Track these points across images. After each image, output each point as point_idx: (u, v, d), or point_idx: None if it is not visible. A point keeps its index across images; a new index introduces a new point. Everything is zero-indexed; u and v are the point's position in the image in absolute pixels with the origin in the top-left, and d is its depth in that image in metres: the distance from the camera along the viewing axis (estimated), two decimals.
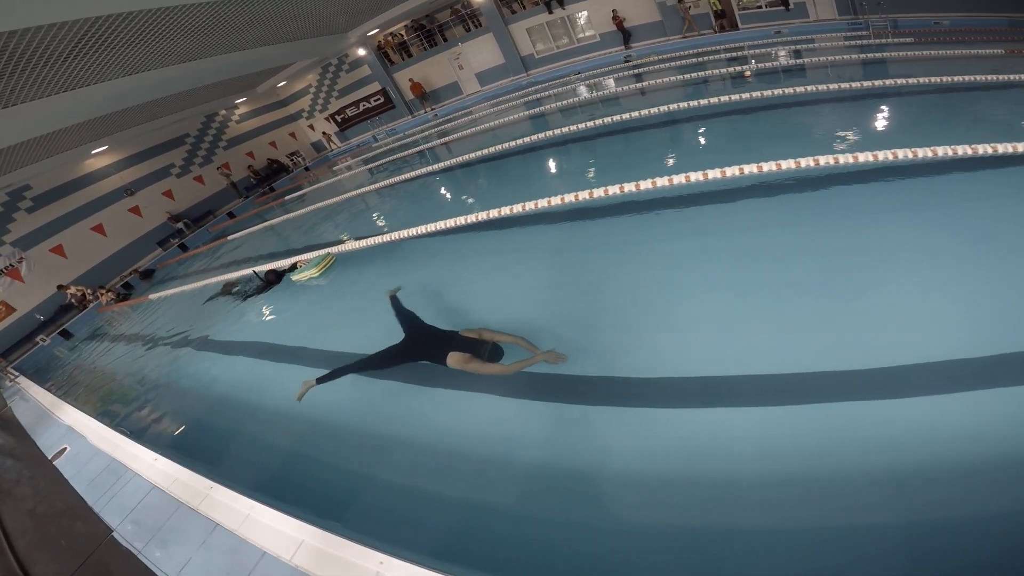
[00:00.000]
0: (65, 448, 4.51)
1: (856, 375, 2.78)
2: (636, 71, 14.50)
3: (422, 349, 3.75)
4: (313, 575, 2.25)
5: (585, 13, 18.78)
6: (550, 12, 18.95)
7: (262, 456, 4.00)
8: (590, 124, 9.74)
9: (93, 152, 15.94)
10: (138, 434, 4.47)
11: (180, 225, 18.13)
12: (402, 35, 21.92)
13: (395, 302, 4.50)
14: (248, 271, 9.03)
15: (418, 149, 15.84)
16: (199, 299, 9.47)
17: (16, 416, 6.81)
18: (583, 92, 14.42)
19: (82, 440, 4.49)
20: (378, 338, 4.23)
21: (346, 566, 2.26)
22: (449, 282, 5.71)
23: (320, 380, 4.03)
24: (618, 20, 17.62)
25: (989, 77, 6.86)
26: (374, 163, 16.51)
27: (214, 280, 9.99)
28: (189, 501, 2.98)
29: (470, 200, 9.23)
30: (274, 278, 8.16)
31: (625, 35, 17.89)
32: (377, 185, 12.68)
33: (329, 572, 2.25)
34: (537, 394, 3.54)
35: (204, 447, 4.30)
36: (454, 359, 3.40)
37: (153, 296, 11.55)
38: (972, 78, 6.88)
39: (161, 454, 3.65)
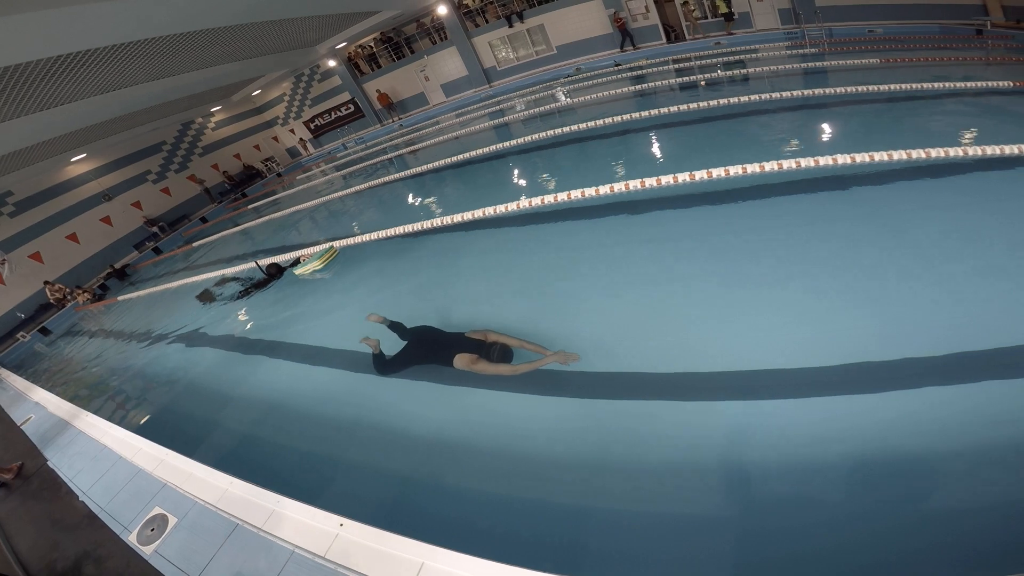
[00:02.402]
0: (31, 417, 5.70)
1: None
2: (586, 82, 15.63)
3: (428, 352, 3.75)
4: (164, 478, 3.42)
5: (542, 23, 19.78)
6: (510, 26, 19.97)
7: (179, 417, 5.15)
8: (588, 125, 10.03)
9: (72, 160, 16.89)
10: (83, 403, 5.71)
11: (155, 229, 19.12)
12: (371, 47, 22.98)
13: (386, 322, 4.45)
14: (249, 264, 9.06)
15: (385, 157, 16.75)
16: (180, 297, 9.93)
17: None
18: (558, 100, 15.08)
19: (43, 411, 5.71)
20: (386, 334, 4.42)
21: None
22: (444, 284, 5.87)
23: (382, 368, 4.13)
24: (620, 21, 17.76)
25: (923, 85, 7.28)
26: (343, 170, 17.49)
27: (193, 280, 10.57)
28: (84, 429, 4.36)
29: (455, 201, 9.36)
30: (275, 271, 8.07)
31: (626, 37, 17.99)
32: (347, 191, 13.35)
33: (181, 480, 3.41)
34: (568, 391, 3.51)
35: (130, 407, 5.58)
36: (461, 360, 3.42)
37: (122, 298, 12.60)
38: (905, 86, 7.36)
39: (92, 412, 4.90)
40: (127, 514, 3.11)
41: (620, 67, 16.49)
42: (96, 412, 5.04)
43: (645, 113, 9.33)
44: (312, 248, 8.51)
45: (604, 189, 6.15)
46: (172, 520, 2.91)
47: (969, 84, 7.02)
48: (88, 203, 18.03)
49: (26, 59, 7.67)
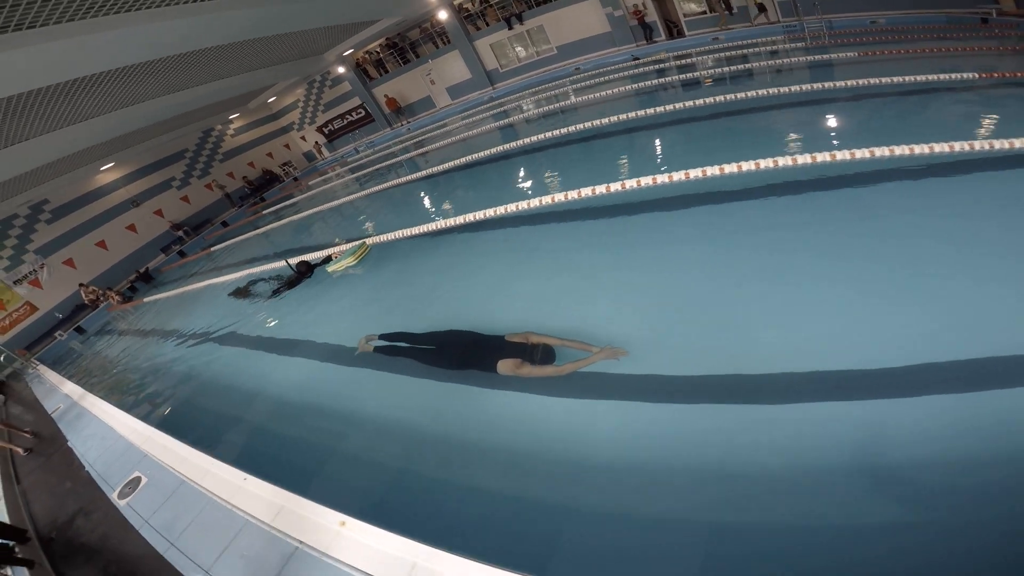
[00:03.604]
0: (60, 406, 6.61)
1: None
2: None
3: (469, 357, 3.62)
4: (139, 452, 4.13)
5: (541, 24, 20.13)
6: (510, 28, 20.40)
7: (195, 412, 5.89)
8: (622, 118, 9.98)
9: (102, 168, 18.17)
10: (101, 392, 6.62)
11: (180, 233, 20.30)
12: (378, 52, 23.70)
13: (401, 335, 4.32)
14: (280, 263, 9.04)
15: (395, 160, 17.33)
16: (206, 297, 10.46)
17: (34, 392, 8.88)
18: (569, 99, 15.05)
19: (71, 400, 6.65)
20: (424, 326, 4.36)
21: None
22: (477, 282, 5.77)
23: (379, 350, 4.26)
24: (639, 15, 17.86)
25: (929, 77, 7.27)
26: (356, 173, 18.21)
27: (217, 281, 11.13)
28: (98, 415, 5.19)
29: (478, 199, 9.16)
30: (306, 269, 8.03)
31: (646, 30, 18.08)
32: (360, 194, 13.89)
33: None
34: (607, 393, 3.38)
35: (137, 394, 6.40)
36: (505, 366, 3.31)
37: (147, 299, 13.64)
38: (908, 79, 7.36)
39: (106, 399, 5.77)
40: (114, 478, 3.98)
41: (638, 61, 16.48)
42: (110, 400, 5.90)
43: (660, 109, 9.56)
44: (344, 245, 8.57)
45: (646, 180, 6.12)
46: (144, 481, 3.75)
47: (968, 76, 7.05)
48: (116, 210, 19.25)
49: (44, 84, 8.53)
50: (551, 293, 4.90)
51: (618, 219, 5.93)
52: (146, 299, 13.82)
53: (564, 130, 10.63)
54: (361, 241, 8.08)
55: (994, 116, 5.90)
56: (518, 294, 5.13)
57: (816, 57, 10.81)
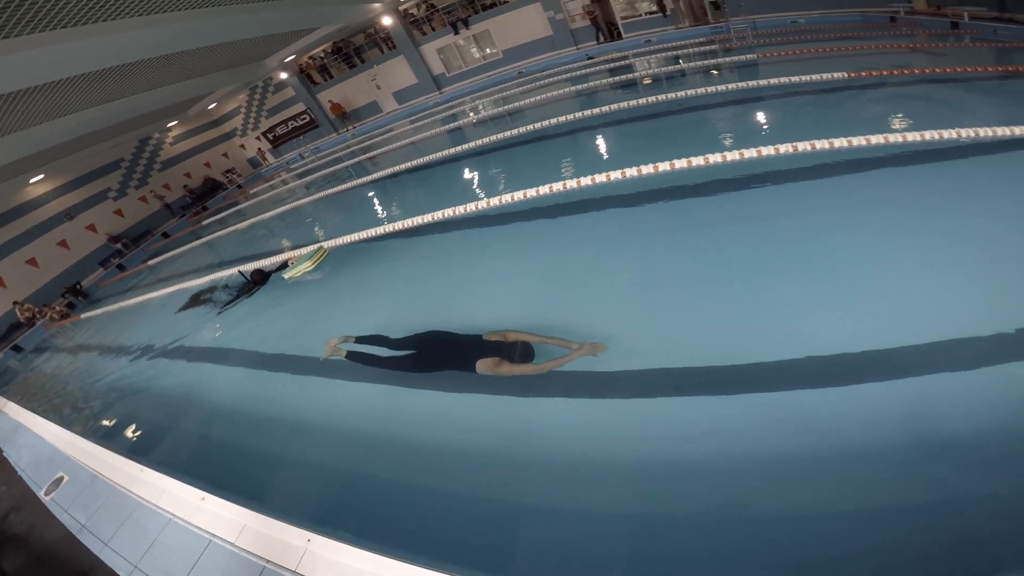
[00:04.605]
0: None
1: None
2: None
3: (445, 359, 3.55)
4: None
5: (487, 29, 20.59)
6: (456, 33, 20.82)
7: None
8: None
9: (31, 181, 17.39)
10: (34, 406, 6.83)
11: (119, 246, 19.65)
12: (322, 58, 23.62)
13: (373, 338, 4.14)
14: (232, 272, 8.79)
15: (340, 166, 17.18)
16: (145, 312, 10.29)
17: None
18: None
19: (5, 416, 6.74)
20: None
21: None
22: (445, 283, 5.69)
23: (350, 355, 4.03)
24: (592, 15, 18.37)
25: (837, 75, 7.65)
26: (302, 179, 18.03)
27: (158, 294, 10.91)
28: (31, 427, 5.66)
29: (437, 199, 8.88)
30: (260, 278, 7.79)
31: (598, 30, 18.60)
32: (305, 200, 13.74)
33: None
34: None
35: (67, 406, 6.62)
36: (483, 365, 3.24)
37: (84, 315, 13.32)
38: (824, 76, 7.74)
39: (38, 413, 6.07)
40: (42, 479, 4.54)
41: (592, 60, 16.98)
42: (43, 413, 6.19)
43: (603, 109, 9.95)
44: (300, 250, 8.31)
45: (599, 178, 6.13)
46: (66, 479, 4.35)
47: (840, 75, 7.70)
48: (47, 224, 18.36)
49: None
50: (521, 291, 4.84)
51: (588, 215, 5.91)
52: (84, 315, 13.47)
53: (512, 132, 10.88)
54: (319, 245, 7.83)
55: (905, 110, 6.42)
56: (488, 293, 5.08)
57: (742, 57, 11.39)
